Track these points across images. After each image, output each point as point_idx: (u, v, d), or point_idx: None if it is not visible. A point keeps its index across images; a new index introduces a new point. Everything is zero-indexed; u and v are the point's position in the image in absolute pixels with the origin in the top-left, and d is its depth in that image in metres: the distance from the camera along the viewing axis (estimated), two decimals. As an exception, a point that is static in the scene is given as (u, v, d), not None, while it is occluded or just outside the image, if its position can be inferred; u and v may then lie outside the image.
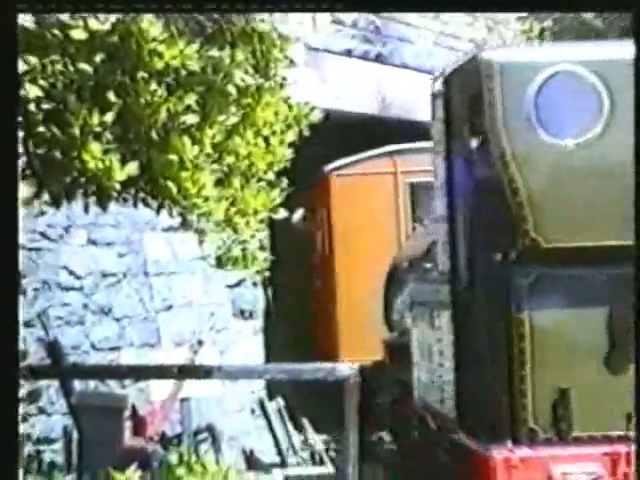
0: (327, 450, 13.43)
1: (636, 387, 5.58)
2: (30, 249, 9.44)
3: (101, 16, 4.65)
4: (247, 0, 4.87)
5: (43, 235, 10.08)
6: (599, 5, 4.59)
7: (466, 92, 7.41)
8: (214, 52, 5.43)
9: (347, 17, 15.30)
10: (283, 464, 13.03)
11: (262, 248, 6.57)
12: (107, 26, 4.69)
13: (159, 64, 4.98)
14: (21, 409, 5.70)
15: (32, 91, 4.61)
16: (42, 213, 8.62)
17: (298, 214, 16.91)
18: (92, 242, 10.75)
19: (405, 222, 15.50)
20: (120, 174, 4.94)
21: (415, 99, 14.86)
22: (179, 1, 4.69)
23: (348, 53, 15.41)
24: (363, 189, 15.51)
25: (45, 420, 9.58)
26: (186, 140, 5.23)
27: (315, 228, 17.26)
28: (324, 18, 14.78)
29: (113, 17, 4.70)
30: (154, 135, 5.11)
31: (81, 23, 4.60)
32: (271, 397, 14.24)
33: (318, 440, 13.93)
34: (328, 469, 12.20)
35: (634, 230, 5.22)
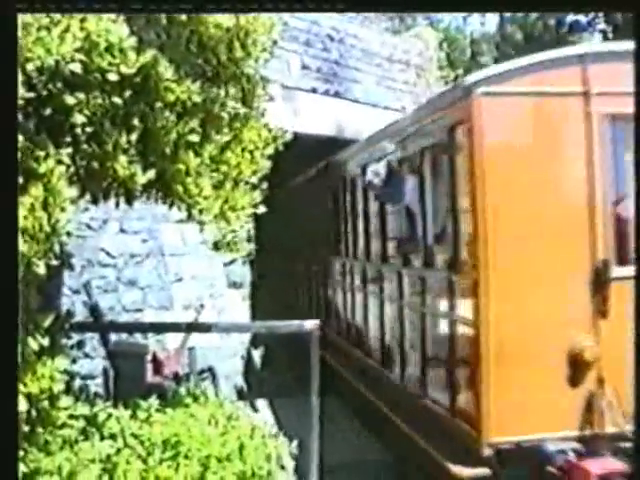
0: (297, 385, 13.37)
1: (636, 387, 4.24)
2: (77, 236, 9.41)
3: (130, 62, 4.62)
4: (247, 0, 4.30)
5: (87, 226, 10.09)
6: (599, 5, 3.82)
7: None
8: (212, 88, 5.45)
9: (313, 64, 15.33)
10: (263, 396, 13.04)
11: (249, 237, 6.57)
12: (133, 70, 4.69)
13: (171, 97, 4.99)
14: (71, 354, 5.67)
15: (79, 119, 4.61)
16: (86, 209, 8.60)
17: (375, 169, 9.35)
18: (123, 231, 10.75)
19: (603, 177, 6.76)
20: (142, 179, 4.96)
21: (362, 124, 14.92)
22: (178, 1, 4.28)
23: (313, 91, 15.40)
24: (533, 120, 6.97)
25: (89, 362, 9.61)
26: (190, 154, 5.25)
27: (431, 190, 8.36)
28: (296, 65, 14.81)
29: (139, 62, 4.67)
30: (167, 150, 5.13)
31: (115, 69, 4.60)
32: (255, 346, 14.24)
33: (289, 377, 13.96)
34: (297, 399, 12.21)
35: (634, 232, 3.62)
